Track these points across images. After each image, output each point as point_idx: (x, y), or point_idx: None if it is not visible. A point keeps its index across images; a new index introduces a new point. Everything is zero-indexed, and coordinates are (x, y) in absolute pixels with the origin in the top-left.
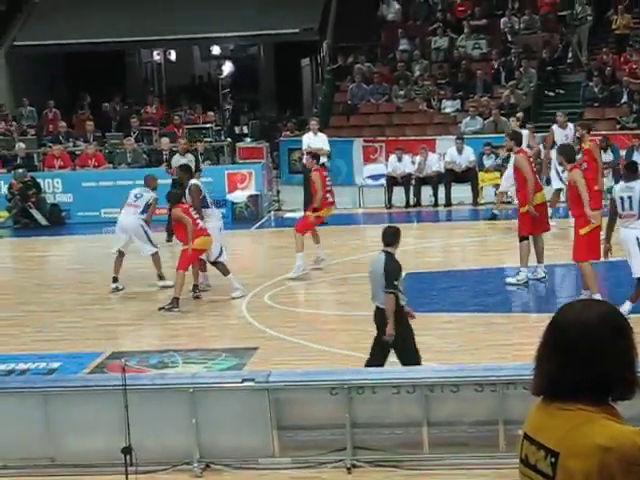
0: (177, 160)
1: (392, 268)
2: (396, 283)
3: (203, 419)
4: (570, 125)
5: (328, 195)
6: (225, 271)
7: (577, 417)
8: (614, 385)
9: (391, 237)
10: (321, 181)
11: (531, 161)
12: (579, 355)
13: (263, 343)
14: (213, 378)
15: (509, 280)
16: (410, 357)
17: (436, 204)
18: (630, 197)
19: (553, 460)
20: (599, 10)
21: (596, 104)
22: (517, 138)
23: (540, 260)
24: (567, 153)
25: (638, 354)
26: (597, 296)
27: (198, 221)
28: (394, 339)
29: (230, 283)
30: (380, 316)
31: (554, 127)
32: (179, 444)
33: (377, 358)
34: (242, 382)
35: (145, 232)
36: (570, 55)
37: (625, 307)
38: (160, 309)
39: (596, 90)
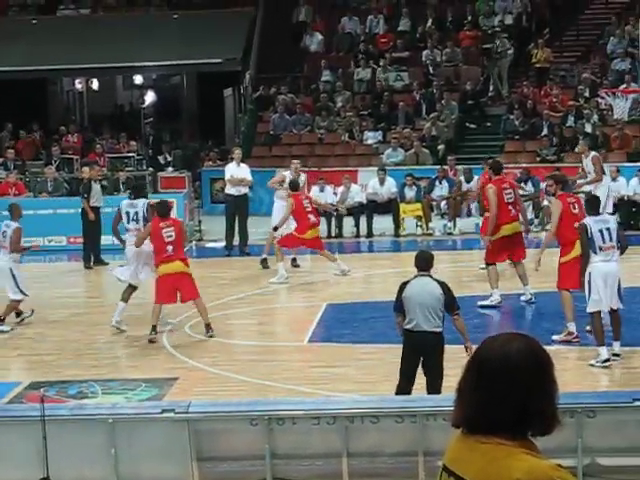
0: (96, 189)
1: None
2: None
3: (122, 450)
4: (591, 153)
5: (310, 216)
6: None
7: (496, 451)
8: (534, 420)
9: (431, 261)
10: (298, 205)
11: (502, 192)
12: (500, 389)
13: (183, 373)
14: (133, 409)
15: (482, 303)
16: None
17: (358, 235)
18: (608, 229)
19: None
20: (520, 43)
21: (517, 137)
22: (495, 167)
23: (525, 283)
24: (563, 182)
25: (558, 389)
26: (571, 325)
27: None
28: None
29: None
30: (435, 340)
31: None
32: (98, 475)
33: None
34: (162, 413)
35: (13, 276)
36: (491, 88)
37: (615, 345)
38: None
39: (517, 123)
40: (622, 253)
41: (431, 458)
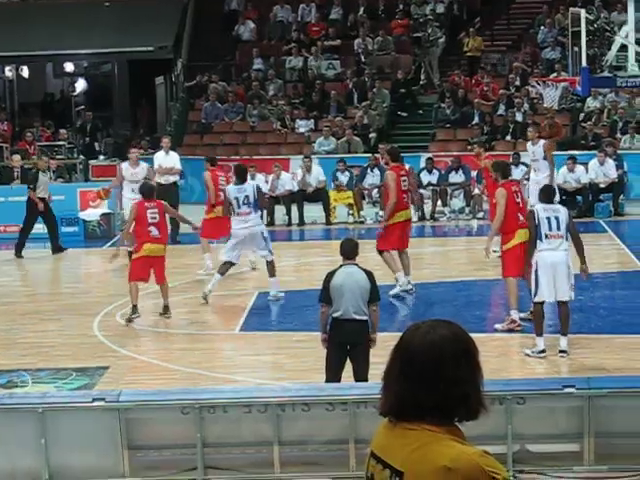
0: (43, 179)
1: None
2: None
3: (53, 439)
4: (541, 141)
5: (220, 194)
6: None
7: (422, 437)
8: (459, 405)
9: (356, 249)
10: (212, 181)
11: (399, 179)
12: (425, 376)
13: (114, 362)
14: (63, 398)
15: (392, 292)
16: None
17: (289, 223)
18: (557, 218)
19: (397, 479)
20: (451, 32)
21: (448, 125)
22: (393, 154)
23: (407, 273)
24: (502, 170)
25: (482, 375)
26: (514, 312)
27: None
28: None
29: None
30: (362, 328)
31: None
32: (28, 464)
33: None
34: (92, 402)
35: None
36: (423, 77)
37: (563, 342)
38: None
39: (448, 111)
40: (576, 244)
41: (362, 445)
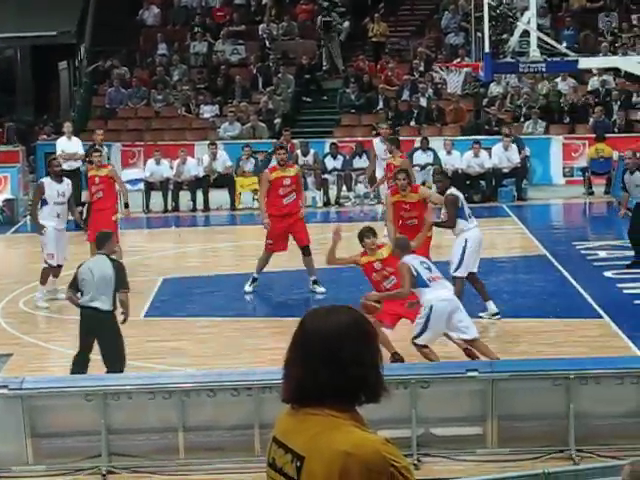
0: None
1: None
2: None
3: None
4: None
5: None
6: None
7: (324, 422)
8: (360, 388)
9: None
10: None
11: None
12: (324, 359)
13: (18, 349)
14: None
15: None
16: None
17: (194, 209)
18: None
19: (299, 464)
20: (356, 18)
21: (353, 110)
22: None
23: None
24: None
25: (382, 358)
26: None
27: None
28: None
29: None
30: (102, 319)
31: (376, 140)
32: None
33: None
34: None
35: None
36: (326, 62)
37: (490, 306)
38: None
39: (353, 97)
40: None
41: (267, 431)
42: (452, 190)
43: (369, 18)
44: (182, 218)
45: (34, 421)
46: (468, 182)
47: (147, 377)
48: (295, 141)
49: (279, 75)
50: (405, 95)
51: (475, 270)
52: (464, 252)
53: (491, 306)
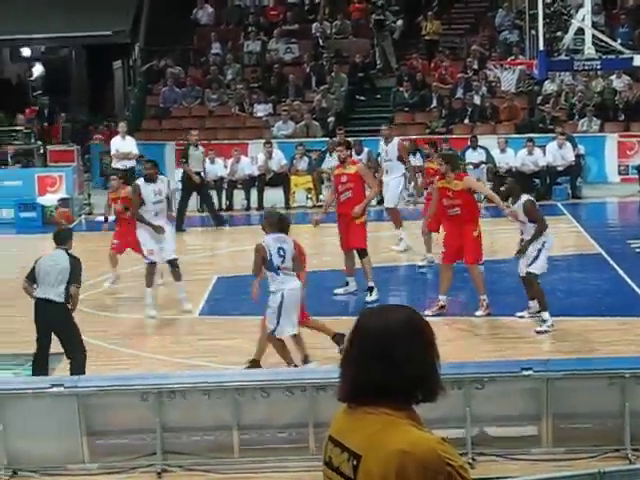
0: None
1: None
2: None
3: (11, 425)
4: (396, 139)
5: None
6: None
7: (380, 421)
8: (416, 388)
9: (66, 236)
10: None
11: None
12: (380, 358)
13: None
14: (21, 383)
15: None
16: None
17: (248, 207)
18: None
19: (355, 463)
20: (409, 16)
21: (406, 109)
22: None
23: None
24: (453, 162)
25: (439, 357)
26: (484, 297)
27: None
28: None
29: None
30: (58, 310)
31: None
32: None
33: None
34: (51, 387)
35: None
36: (380, 60)
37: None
38: None
39: (406, 95)
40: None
41: (321, 429)
42: (527, 196)
43: (422, 16)
44: (236, 217)
45: (89, 419)
46: (522, 180)
47: (202, 375)
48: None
49: (332, 74)
50: (459, 93)
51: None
52: (540, 252)
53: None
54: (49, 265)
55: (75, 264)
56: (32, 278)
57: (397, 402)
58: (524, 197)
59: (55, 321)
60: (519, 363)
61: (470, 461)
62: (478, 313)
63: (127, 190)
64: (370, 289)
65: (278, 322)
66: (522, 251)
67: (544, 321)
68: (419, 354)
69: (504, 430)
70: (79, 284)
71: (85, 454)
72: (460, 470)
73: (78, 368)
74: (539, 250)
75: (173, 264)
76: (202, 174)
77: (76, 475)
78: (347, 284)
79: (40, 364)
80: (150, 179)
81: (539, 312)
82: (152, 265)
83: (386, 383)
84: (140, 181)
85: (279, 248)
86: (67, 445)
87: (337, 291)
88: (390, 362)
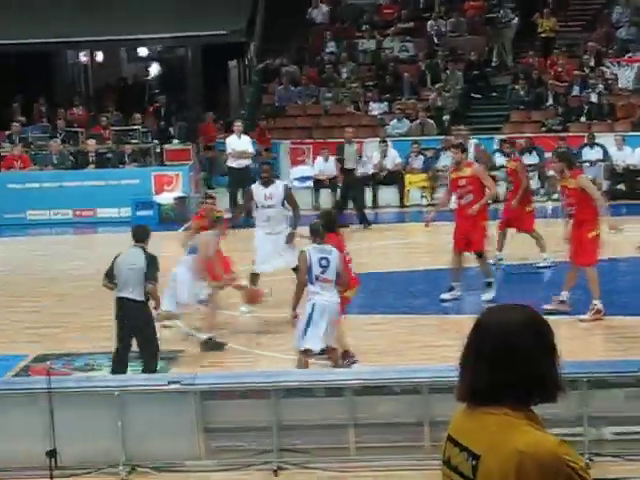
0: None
1: (156, 261)
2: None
3: (129, 422)
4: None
5: None
6: None
7: (499, 422)
8: (536, 387)
9: (144, 234)
10: None
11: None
12: (501, 359)
13: (189, 345)
14: (139, 381)
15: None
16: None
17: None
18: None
19: (474, 463)
20: (525, 13)
21: (522, 107)
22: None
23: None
24: (568, 160)
25: (559, 357)
26: (597, 302)
27: None
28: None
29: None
30: (136, 309)
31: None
32: (105, 448)
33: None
34: (168, 384)
35: None
36: (496, 58)
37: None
38: None
39: (522, 93)
40: None
41: (437, 429)
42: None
43: (538, 13)
44: (350, 215)
45: (206, 417)
46: (639, 178)
47: (317, 374)
48: (473, 140)
49: (447, 72)
50: (575, 91)
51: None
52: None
53: None
54: (127, 264)
55: (151, 262)
56: (111, 276)
57: (516, 402)
58: None
59: (133, 320)
60: (637, 362)
61: (587, 461)
62: (585, 317)
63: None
64: (488, 284)
65: (305, 333)
66: None
67: None
68: (539, 354)
69: (622, 429)
70: (156, 281)
71: (202, 451)
72: (581, 472)
73: (148, 371)
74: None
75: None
76: (355, 171)
77: (193, 472)
78: (452, 289)
79: (120, 363)
80: (265, 182)
81: None
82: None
83: (506, 383)
84: (254, 185)
85: (321, 258)
86: (184, 442)
87: (443, 296)
88: (510, 362)
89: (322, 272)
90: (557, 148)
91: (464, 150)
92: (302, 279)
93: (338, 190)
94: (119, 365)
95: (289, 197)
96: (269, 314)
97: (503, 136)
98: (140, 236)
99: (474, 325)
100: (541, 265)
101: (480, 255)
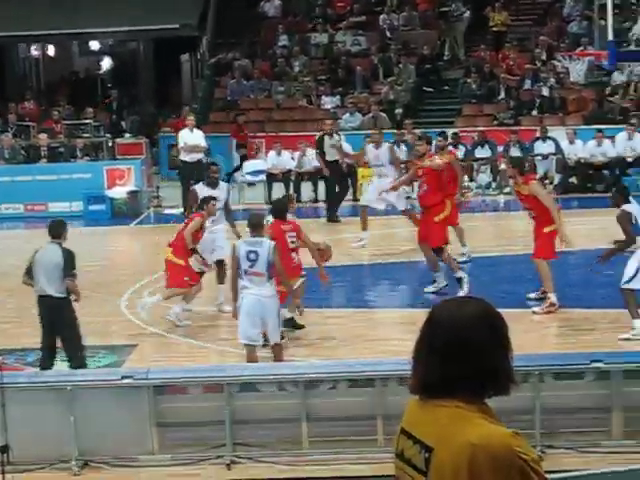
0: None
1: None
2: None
3: (82, 417)
4: (385, 145)
5: None
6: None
7: (453, 414)
8: (489, 380)
9: (60, 229)
10: None
11: None
12: (453, 350)
13: (142, 340)
14: (91, 376)
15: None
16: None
17: (316, 200)
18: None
19: (427, 455)
20: (477, 7)
21: (474, 100)
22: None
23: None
24: (520, 165)
25: (512, 350)
26: (552, 295)
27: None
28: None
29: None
30: (56, 306)
31: (369, 146)
32: (57, 443)
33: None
34: (121, 379)
35: None
36: (448, 52)
37: None
38: None
39: (474, 86)
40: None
41: (390, 422)
42: (625, 206)
43: (490, 7)
44: (304, 209)
45: (159, 411)
46: (591, 172)
47: (270, 367)
48: (416, 131)
49: (400, 65)
50: (527, 84)
51: None
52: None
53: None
54: (44, 260)
55: (68, 257)
56: (30, 273)
57: (469, 395)
58: (623, 206)
59: (55, 317)
60: (589, 355)
61: (539, 453)
62: (538, 310)
63: None
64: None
65: (242, 327)
66: (605, 257)
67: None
68: (493, 347)
69: (574, 422)
70: (74, 277)
71: (155, 445)
72: (532, 463)
73: (76, 366)
74: (637, 267)
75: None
76: (339, 162)
77: (146, 466)
78: (434, 281)
79: (46, 360)
80: (211, 183)
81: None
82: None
83: (459, 376)
84: (198, 185)
85: (249, 252)
86: (137, 436)
87: (428, 289)
88: (464, 355)
89: (250, 266)
90: (509, 142)
91: (429, 142)
92: (233, 273)
93: (291, 184)
94: (45, 363)
95: (228, 201)
96: (213, 308)
97: (455, 129)
98: (56, 231)
99: (427, 318)
100: (460, 260)
101: (435, 251)
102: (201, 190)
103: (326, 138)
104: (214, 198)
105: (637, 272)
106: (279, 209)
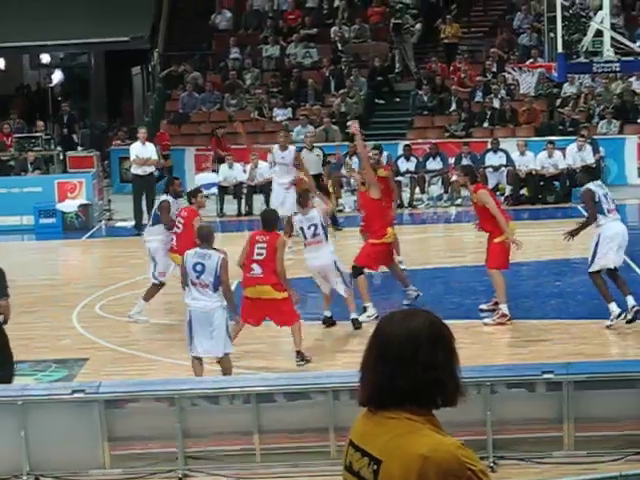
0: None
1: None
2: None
3: (32, 431)
4: (291, 147)
5: None
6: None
7: (401, 426)
8: (436, 392)
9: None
10: None
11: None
12: (401, 362)
13: (94, 354)
14: (42, 390)
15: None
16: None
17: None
18: (606, 194)
19: (375, 467)
20: (428, 19)
21: (425, 112)
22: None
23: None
24: (471, 174)
25: (459, 361)
26: (504, 306)
27: None
28: None
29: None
30: None
31: (275, 147)
32: (8, 457)
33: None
34: (72, 393)
35: None
36: (399, 64)
37: (630, 300)
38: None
39: (425, 99)
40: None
41: (342, 434)
42: (589, 185)
43: (441, 20)
44: (256, 221)
45: (110, 425)
46: (542, 183)
47: (223, 381)
48: (368, 144)
49: (351, 78)
50: (478, 96)
51: (615, 266)
52: (596, 247)
53: (630, 301)
54: None
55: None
56: None
57: (417, 407)
58: (586, 185)
59: None
60: (540, 366)
61: (491, 465)
62: (489, 321)
63: None
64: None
65: (190, 340)
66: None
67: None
68: (440, 358)
69: (525, 433)
70: (7, 296)
71: (106, 460)
72: (480, 474)
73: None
74: (594, 248)
75: None
76: (322, 176)
77: None
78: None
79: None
80: (178, 195)
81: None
82: (159, 286)
83: (407, 388)
84: (170, 197)
85: (196, 263)
86: (88, 451)
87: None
88: (411, 367)
89: (197, 277)
90: (460, 154)
91: (382, 152)
92: (182, 283)
93: (243, 196)
94: None
95: None
96: (172, 321)
97: (407, 142)
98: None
99: (375, 330)
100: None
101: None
102: (173, 202)
103: (305, 152)
104: (201, 191)
105: (595, 255)
106: (265, 219)
